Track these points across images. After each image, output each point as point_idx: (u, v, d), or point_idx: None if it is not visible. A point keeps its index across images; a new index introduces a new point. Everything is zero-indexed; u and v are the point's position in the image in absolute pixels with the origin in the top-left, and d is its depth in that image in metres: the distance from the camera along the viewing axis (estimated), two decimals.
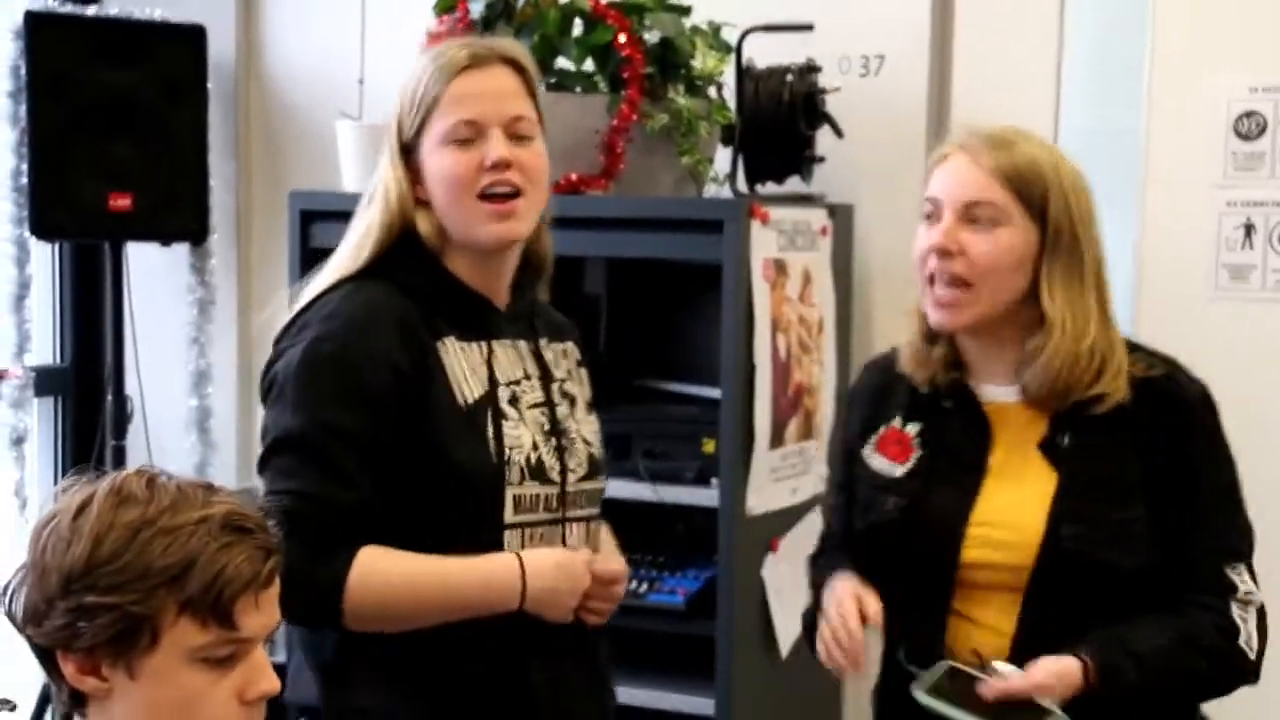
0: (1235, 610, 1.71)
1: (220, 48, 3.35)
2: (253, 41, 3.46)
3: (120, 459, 3.24)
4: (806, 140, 2.71)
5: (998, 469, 1.74)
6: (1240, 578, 1.72)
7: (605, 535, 1.93)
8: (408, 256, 1.75)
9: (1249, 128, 2.60)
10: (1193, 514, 1.72)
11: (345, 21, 3.23)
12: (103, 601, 1.24)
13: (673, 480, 2.63)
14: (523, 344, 1.82)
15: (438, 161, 1.74)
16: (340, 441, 1.66)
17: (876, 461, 1.81)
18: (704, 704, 2.58)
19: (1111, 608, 1.70)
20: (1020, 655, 1.70)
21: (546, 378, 1.83)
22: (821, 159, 2.74)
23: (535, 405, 1.79)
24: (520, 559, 1.71)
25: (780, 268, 2.60)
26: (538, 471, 1.76)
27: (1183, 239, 2.65)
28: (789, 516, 2.65)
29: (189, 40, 3.22)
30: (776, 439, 2.60)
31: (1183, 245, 2.65)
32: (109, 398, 3.26)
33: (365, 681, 1.72)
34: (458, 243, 1.76)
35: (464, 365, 1.74)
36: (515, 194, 1.74)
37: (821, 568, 1.88)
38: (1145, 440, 1.71)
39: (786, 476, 2.65)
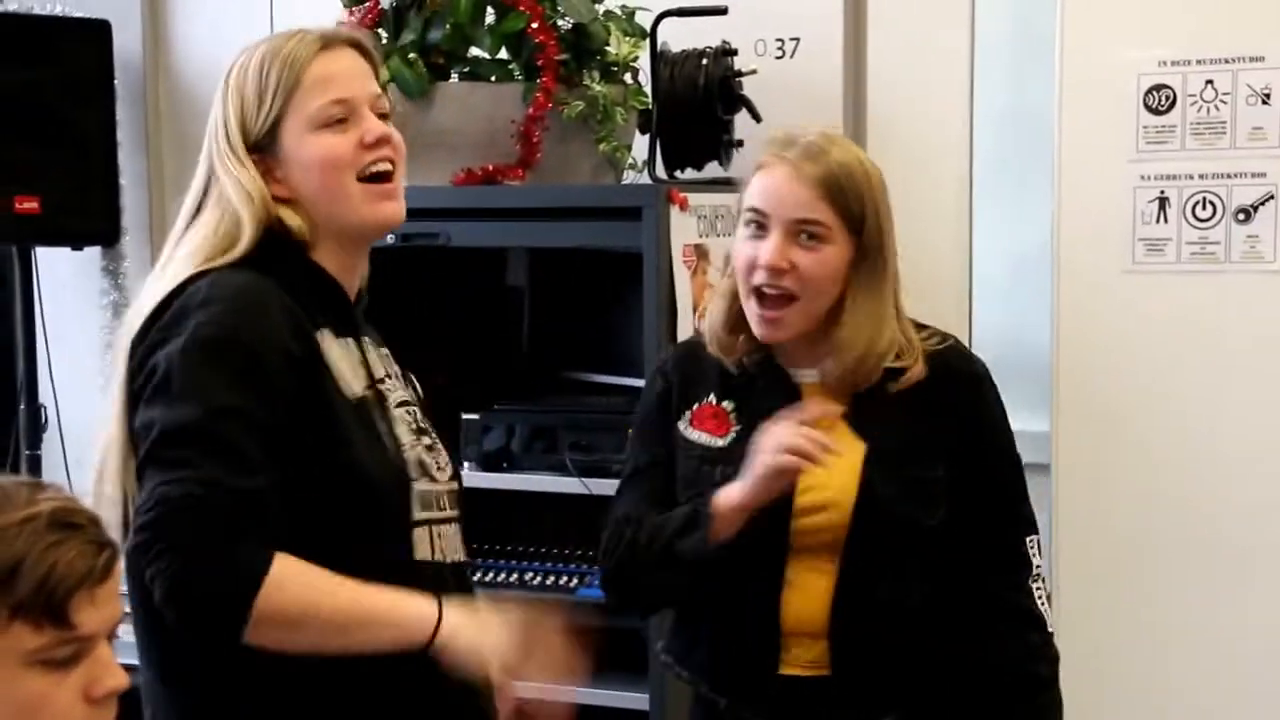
0: (1036, 591, 1.86)
1: (126, 43, 3.28)
2: (159, 36, 3.39)
3: (35, 469, 3.16)
4: (724, 124, 2.70)
5: None
6: (1033, 550, 1.88)
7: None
8: (278, 249, 1.65)
9: (1159, 101, 2.62)
10: (988, 477, 1.86)
11: (253, 14, 3.17)
12: None
13: (600, 473, 2.60)
14: (370, 342, 1.74)
15: (309, 148, 1.65)
16: (237, 426, 1.53)
17: (695, 435, 1.88)
18: (639, 699, 2.56)
19: (916, 566, 1.83)
20: (836, 615, 1.80)
21: (406, 377, 1.78)
22: (740, 143, 2.73)
23: (401, 404, 1.72)
24: (440, 600, 1.60)
25: (701, 253, 2.58)
26: (424, 469, 1.69)
27: (1098, 214, 2.67)
28: None
29: (93, 35, 3.14)
30: None
31: (1098, 220, 2.67)
32: (22, 407, 3.20)
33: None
34: (329, 233, 1.68)
35: (343, 359, 1.66)
36: (391, 173, 1.69)
37: (658, 524, 1.83)
38: (940, 405, 1.84)
39: None
